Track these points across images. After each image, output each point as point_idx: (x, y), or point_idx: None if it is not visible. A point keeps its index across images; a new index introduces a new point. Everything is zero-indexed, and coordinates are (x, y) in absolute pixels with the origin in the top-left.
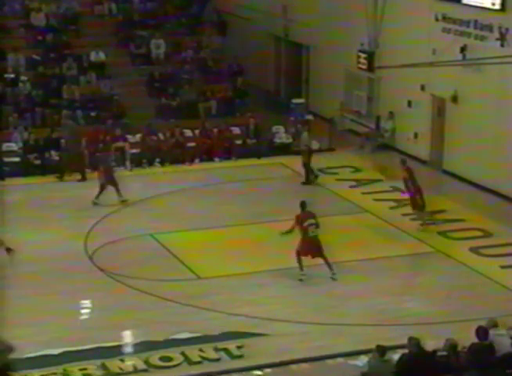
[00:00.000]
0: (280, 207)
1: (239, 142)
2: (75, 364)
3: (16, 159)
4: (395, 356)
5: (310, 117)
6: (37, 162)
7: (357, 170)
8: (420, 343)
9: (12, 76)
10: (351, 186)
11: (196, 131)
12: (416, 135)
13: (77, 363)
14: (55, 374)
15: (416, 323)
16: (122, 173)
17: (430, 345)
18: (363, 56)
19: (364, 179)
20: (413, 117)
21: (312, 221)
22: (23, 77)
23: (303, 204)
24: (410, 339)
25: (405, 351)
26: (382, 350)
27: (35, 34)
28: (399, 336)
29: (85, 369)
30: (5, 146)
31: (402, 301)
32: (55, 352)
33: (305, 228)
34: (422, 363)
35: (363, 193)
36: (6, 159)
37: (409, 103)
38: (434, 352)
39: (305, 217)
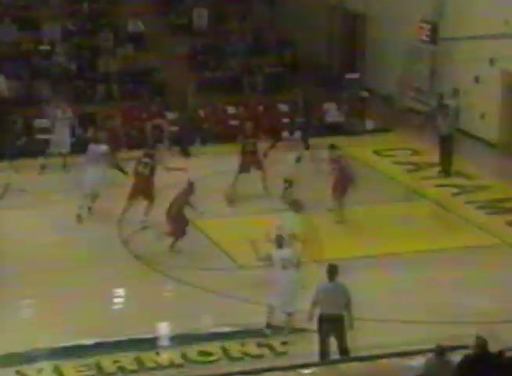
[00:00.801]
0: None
1: (286, 120)
2: (108, 356)
3: (49, 136)
4: (456, 358)
5: (365, 93)
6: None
7: (416, 152)
8: (486, 344)
9: (48, 48)
10: (408, 170)
11: (241, 108)
12: (483, 115)
13: (111, 355)
14: (87, 366)
15: (479, 321)
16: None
17: (494, 346)
18: (426, 26)
19: (424, 163)
20: (481, 95)
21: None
22: (58, 49)
23: None
24: (477, 338)
25: (467, 351)
26: (442, 350)
27: (71, 3)
28: (460, 335)
29: (119, 361)
30: (37, 123)
31: (464, 296)
32: (88, 342)
33: None
34: (487, 365)
35: (422, 178)
36: (39, 136)
37: (476, 79)
38: (501, 353)
39: None
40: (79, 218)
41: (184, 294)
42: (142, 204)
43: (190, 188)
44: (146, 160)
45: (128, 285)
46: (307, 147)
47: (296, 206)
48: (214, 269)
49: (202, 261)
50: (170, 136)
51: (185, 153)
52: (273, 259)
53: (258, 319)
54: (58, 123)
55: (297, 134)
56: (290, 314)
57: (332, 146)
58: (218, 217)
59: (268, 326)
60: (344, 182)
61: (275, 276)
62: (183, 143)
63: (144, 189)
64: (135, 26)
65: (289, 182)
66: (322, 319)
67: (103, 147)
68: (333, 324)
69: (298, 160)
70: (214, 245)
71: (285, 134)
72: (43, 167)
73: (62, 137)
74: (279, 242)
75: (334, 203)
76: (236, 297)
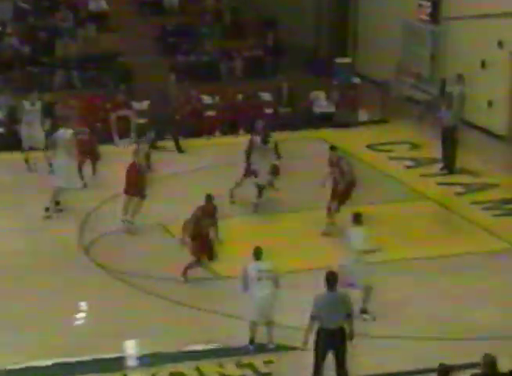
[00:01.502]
0: (318, 193)
1: (269, 111)
2: None
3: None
4: None
5: (357, 80)
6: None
7: (415, 146)
8: (496, 363)
9: None
10: (408, 166)
11: (217, 98)
12: (490, 104)
13: None
14: None
15: (489, 337)
16: (126, 148)
17: (505, 364)
18: (426, 4)
19: (424, 158)
20: (488, 81)
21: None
22: (8, 30)
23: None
24: (485, 357)
25: (475, 371)
26: (445, 370)
27: None
28: (467, 353)
29: None
30: None
31: (471, 309)
32: (45, 363)
33: None
34: None
35: (423, 176)
36: None
37: (483, 64)
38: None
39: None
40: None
41: (154, 308)
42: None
43: (208, 203)
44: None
45: (89, 297)
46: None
47: (359, 219)
48: (189, 279)
49: (175, 269)
50: (138, 129)
51: (179, 150)
52: (248, 272)
53: (238, 336)
54: (27, 116)
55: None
56: (268, 323)
57: (332, 148)
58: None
59: (252, 342)
60: (344, 188)
61: (251, 289)
62: (174, 138)
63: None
64: (97, 4)
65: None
66: (322, 334)
67: (69, 132)
68: (333, 339)
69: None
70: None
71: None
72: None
73: (32, 131)
74: (257, 254)
75: (333, 208)
76: (212, 310)
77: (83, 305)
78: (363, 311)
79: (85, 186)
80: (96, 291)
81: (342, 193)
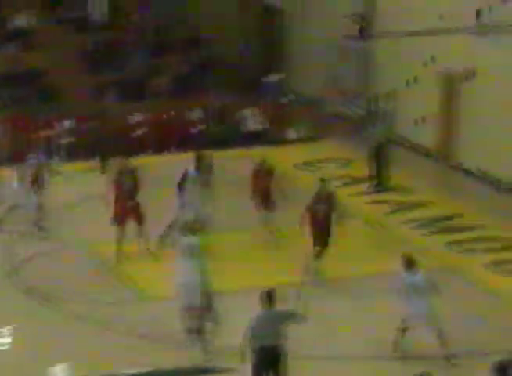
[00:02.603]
0: (247, 211)
1: (199, 128)
2: None
3: None
4: None
5: (289, 97)
6: None
7: (347, 164)
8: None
9: None
10: (339, 185)
11: (146, 115)
12: (419, 121)
13: None
14: None
15: (426, 356)
16: (51, 169)
17: None
18: (354, 21)
19: (355, 176)
20: (417, 98)
21: None
22: None
23: None
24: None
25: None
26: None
27: None
28: (404, 373)
29: None
30: None
31: (402, 327)
32: None
33: None
34: None
35: (353, 194)
36: None
37: (412, 81)
38: None
39: None
40: None
41: (81, 332)
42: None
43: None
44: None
45: (17, 324)
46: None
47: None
48: (117, 301)
49: (102, 292)
50: (65, 148)
51: (104, 170)
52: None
53: (168, 360)
54: None
55: None
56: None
57: (323, 180)
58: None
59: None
60: (323, 225)
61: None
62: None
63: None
64: (20, 21)
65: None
66: (260, 352)
67: None
68: (272, 357)
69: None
70: (118, 274)
71: None
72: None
73: None
74: (192, 228)
75: (313, 254)
76: (141, 334)
77: (8, 330)
78: None
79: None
80: (22, 317)
81: (319, 232)
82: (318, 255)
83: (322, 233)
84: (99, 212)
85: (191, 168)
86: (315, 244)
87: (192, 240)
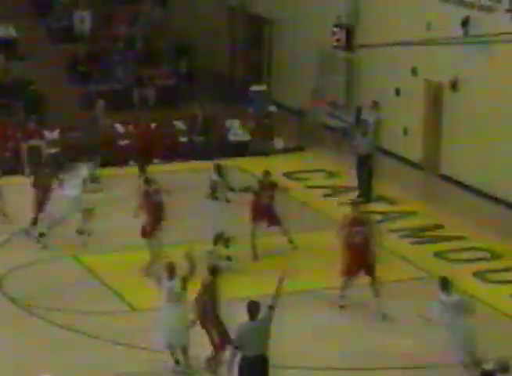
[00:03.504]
0: (234, 222)
1: (183, 139)
2: None
3: None
4: None
5: (273, 108)
6: None
7: (332, 175)
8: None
9: None
10: (325, 195)
11: (130, 126)
12: (405, 131)
13: None
14: None
15: (406, 366)
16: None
17: None
18: (340, 31)
19: (341, 186)
20: (403, 109)
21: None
22: None
23: None
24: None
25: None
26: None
27: None
28: None
29: None
30: None
31: (388, 338)
32: None
33: None
34: None
35: (340, 204)
36: None
37: (397, 91)
38: None
39: None
40: None
41: (67, 343)
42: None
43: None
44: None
45: (3, 333)
46: None
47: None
48: (103, 312)
49: (88, 303)
50: (51, 159)
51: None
52: (162, 286)
53: (154, 371)
54: None
55: None
56: (183, 349)
57: (355, 203)
58: (107, 252)
59: (177, 362)
60: (363, 253)
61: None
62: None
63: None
64: (5, 31)
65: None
66: (245, 363)
67: None
68: (258, 367)
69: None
70: (103, 285)
71: None
72: None
73: None
74: (170, 271)
75: (344, 283)
76: (127, 344)
77: None
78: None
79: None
80: (9, 326)
81: (359, 262)
82: (375, 289)
83: (363, 260)
84: (87, 222)
85: (215, 178)
86: (350, 272)
87: (173, 284)
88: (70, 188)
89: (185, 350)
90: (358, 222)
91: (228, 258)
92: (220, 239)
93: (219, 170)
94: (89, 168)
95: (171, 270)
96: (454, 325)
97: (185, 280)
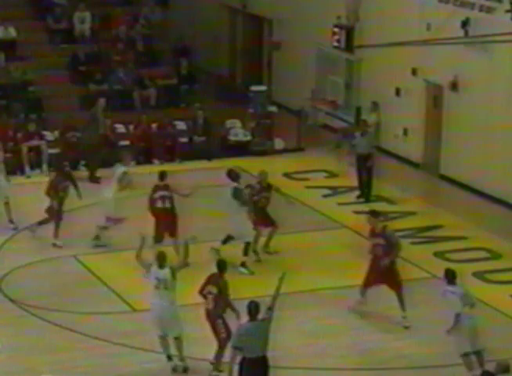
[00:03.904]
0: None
1: (184, 139)
2: None
3: None
4: None
5: (273, 108)
6: None
7: (332, 175)
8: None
9: None
10: (324, 195)
11: (131, 127)
12: (405, 132)
13: None
14: None
15: (408, 366)
16: (38, 179)
17: None
18: (340, 32)
19: (341, 187)
20: (403, 109)
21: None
22: None
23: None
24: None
25: None
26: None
27: None
28: None
29: None
30: None
31: (390, 339)
32: None
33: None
34: None
35: (340, 204)
36: None
37: (398, 92)
38: None
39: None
40: None
41: (68, 343)
42: None
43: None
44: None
45: (2, 334)
46: None
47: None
48: (103, 312)
49: (88, 304)
50: (50, 160)
51: (95, 179)
52: (149, 274)
53: (154, 371)
54: None
55: None
56: (177, 338)
57: (374, 213)
58: (107, 252)
59: (169, 358)
60: (388, 264)
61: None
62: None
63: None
64: (5, 32)
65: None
66: (246, 364)
67: None
68: (257, 368)
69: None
70: (103, 285)
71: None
72: None
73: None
74: (161, 260)
75: (361, 296)
76: (127, 345)
77: None
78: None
79: None
80: (8, 327)
81: (382, 270)
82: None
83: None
84: (85, 223)
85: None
86: (369, 282)
87: (163, 273)
88: (107, 190)
89: (179, 340)
90: (375, 234)
91: (243, 265)
92: (230, 239)
93: (234, 175)
94: (121, 168)
95: (162, 259)
96: (462, 316)
97: (175, 270)
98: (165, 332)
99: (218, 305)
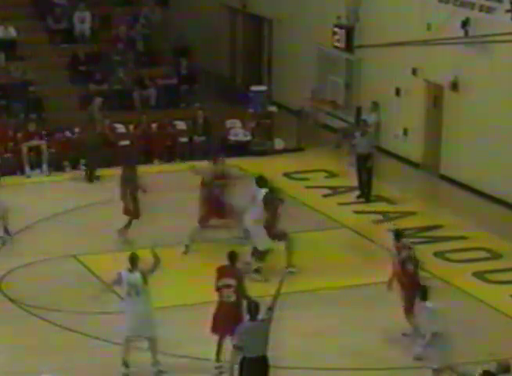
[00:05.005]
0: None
1: (184, 139)
2: None
3: None
4: None
5: (273, 108)
6: None
7: (332, 175)
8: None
9: None
10: (324, 195)
11: (131, 127)
12: (405, 132)
13: None
14: None
15: (408, 366)
16: (38, 179)
17: None
18: (340, 32)
19: (341, 187)
20: (403, 109)
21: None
22: None
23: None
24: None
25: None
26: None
27: None
28: None
29: None
30: None
31: (388, 339)
32: None
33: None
34: None
35: (340, 204)
36: None
37: (398, 92)
38: None
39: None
40: None
41: (68, 343)
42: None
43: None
44: None
45: (3, 333)
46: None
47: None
48: (103, 312)
49: (88, 303)
50: (50, 160)
51: (93, 178)
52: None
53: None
54: None
55: None
56: (150, 340)
57: (398, 234)
58: (107, 252)
59: (125, 363)
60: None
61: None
62: (90, 166)
63: None
64: (5, 31)
65: None
66: (245, 364)
67: None
68: (257, 368)
69: None
70: (103, 285)
71: None
72: None
73: None
74: (132, 263)
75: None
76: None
77: None
78: None
79: None
80: (8, 327)
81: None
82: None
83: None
84: (85, 223)
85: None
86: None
87: (134, 277)
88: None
89: (153, 343)
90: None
91: (257, 270)
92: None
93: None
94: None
95: (133, 262)
96: (434, 331)
97: (146, 274)
98: (137, 333)
99: (239, 296)
